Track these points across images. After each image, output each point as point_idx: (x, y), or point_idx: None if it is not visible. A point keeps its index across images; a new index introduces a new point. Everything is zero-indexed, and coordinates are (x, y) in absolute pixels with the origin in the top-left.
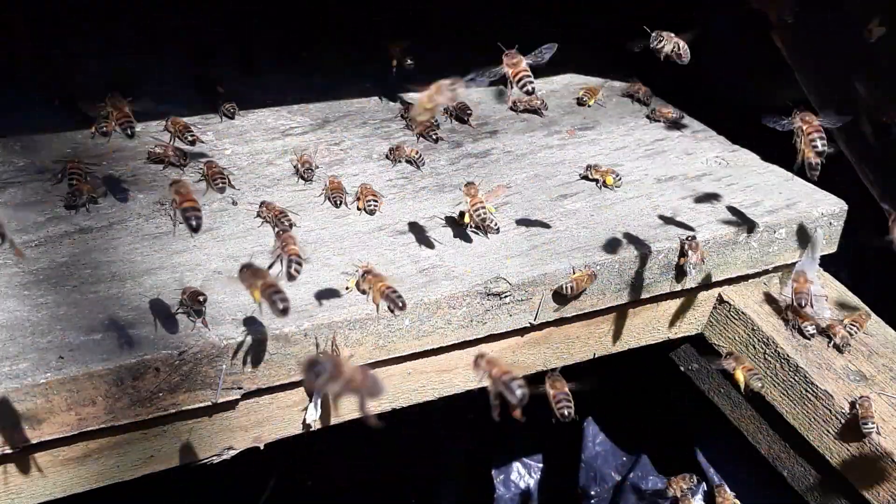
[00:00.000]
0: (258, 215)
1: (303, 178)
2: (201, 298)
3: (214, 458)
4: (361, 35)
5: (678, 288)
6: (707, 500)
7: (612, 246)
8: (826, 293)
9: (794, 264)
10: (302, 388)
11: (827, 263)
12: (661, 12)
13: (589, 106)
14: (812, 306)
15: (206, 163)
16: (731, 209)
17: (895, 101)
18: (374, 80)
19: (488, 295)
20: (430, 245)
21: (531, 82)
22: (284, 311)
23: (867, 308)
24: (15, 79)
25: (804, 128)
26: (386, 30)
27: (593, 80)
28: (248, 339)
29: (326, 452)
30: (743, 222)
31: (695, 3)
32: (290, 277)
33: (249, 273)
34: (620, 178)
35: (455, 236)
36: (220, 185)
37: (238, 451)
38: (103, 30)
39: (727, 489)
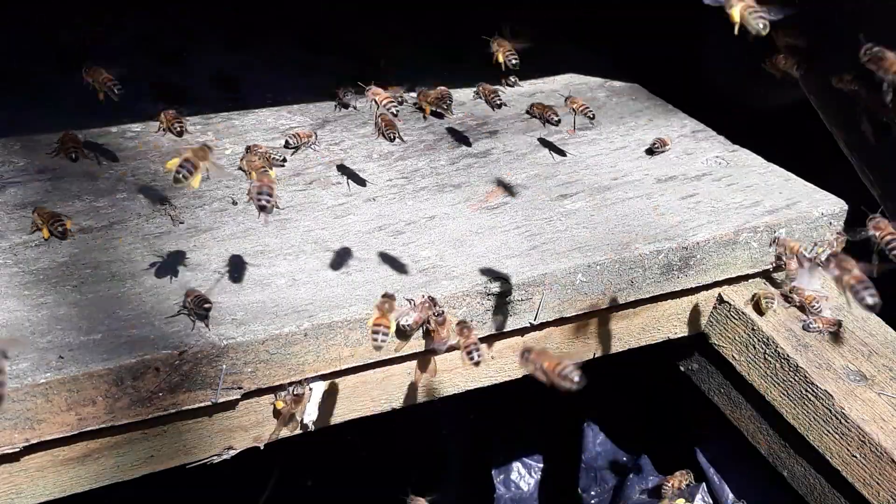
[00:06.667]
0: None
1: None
2: (207, 307)
3: (214, 458)
4: (362, 36)
5: (678, 288)
6: (707, 499)
7: (612, 246)
8: (826, 294)
9: None
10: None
11: None
12: (662, 12)
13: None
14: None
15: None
16: (731, 209)
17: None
18: (374, 80)
19: (488, 295)
20: (430, 245)
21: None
22: None
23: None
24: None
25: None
26: (384, 29)
27: (593, 80)
28: (248, 339)
29: (326, 452)
30: (743, 222)
31: (695, 2)
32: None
33: None
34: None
35: (455, 236)
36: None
37: (238, 451)
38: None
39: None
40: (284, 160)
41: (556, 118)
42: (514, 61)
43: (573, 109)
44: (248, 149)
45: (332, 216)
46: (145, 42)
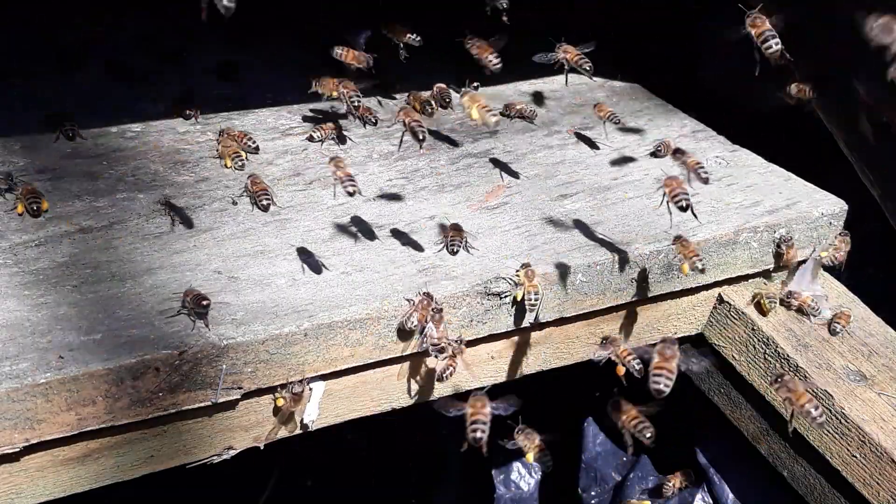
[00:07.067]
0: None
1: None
2: (205, 304)
3: (214, 458)
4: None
5: (678, 288)
6: (707, 499)
7: (611, 246)
8: (826, 293)
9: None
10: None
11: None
12: (662, 12)
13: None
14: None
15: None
16: (731, 209)
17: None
18: (374, 79)
19: (488, 295)
20: (430, 245)
21: None
22: None
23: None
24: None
25: None
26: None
27: (593, 80)
28: (248, 339)
29: (326, 452)
30: (743, 222)
31: (695, 2)
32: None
33: None
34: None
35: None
36: (265, 202)
37: (238, 451)
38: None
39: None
40: (257, 147)
41: (533, 112)
42: (356, 102)
43: (599, 117)
44: (221, 132)
45: (332, 216)
46: (145, 42)
